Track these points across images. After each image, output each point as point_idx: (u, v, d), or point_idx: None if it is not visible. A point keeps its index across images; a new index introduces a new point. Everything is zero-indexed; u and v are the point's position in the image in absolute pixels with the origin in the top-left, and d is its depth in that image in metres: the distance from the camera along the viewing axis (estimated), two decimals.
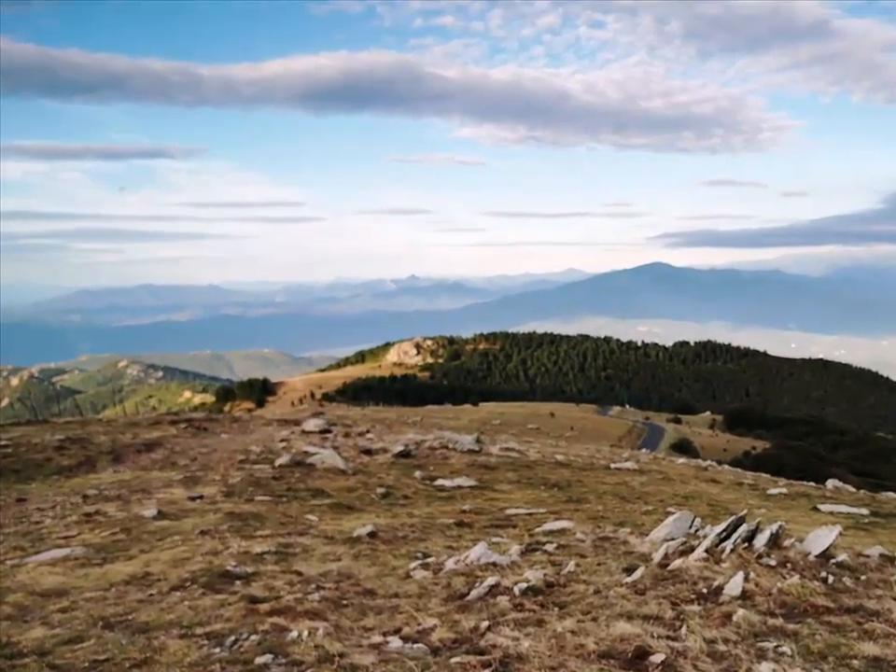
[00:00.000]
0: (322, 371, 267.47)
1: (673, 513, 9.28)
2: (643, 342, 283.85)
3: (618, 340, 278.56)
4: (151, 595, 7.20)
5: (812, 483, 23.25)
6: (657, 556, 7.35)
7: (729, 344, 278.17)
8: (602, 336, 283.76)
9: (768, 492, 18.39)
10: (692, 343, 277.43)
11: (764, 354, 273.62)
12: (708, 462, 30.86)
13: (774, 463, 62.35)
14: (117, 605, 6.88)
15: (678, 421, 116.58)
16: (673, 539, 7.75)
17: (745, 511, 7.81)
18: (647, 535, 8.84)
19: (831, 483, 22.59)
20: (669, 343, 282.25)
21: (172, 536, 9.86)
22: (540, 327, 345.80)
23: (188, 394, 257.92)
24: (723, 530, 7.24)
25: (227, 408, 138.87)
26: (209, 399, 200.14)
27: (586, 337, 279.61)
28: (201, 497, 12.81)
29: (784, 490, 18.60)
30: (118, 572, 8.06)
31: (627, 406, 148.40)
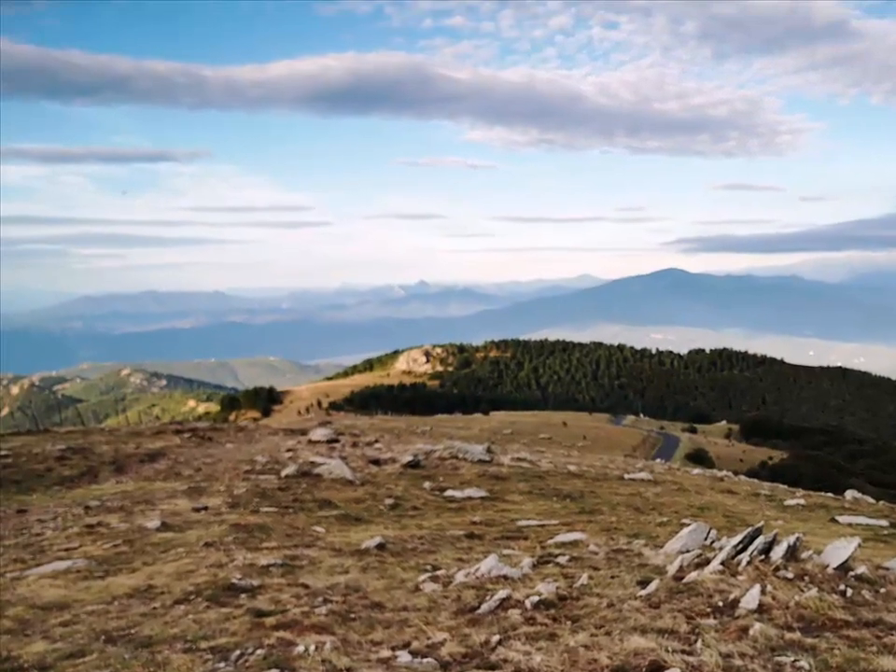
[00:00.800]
0: (329, 379, 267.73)
1: (688, 525, 9.25)
2: (657, 349, 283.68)
3: (632, 347, 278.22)
4: (154, 608, 7.21)
5: (830, 494, 23.18)
6: (672, 569, 7.33)
7: (745, 352, 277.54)
8: (616, 344, 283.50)
9: (785, 503, 18.33)
10: (707, 351, 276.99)
11: (781, 362, 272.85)
12: (724, 472, 30.82)
13: (791, 473, 62.21)
14: (119, 618, 6.89)
15: (693, 430, 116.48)
16: (688, 552, 7.73)
17: (761, 523, 7.79)
18: (661, 547, 8.81)
19: (849, 493, 22.50)
20: (684, 351, 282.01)
21: (176, 548, 9.87)
22: (553, 334, 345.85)
23: (192, 403, 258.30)
24: (740, 542, 7.21)
25: (232, 417, 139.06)
26: (214, 407, 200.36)
27: (599, 345, 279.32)
28: (205, 509, 12.84)
29: (802, 501, 18.54)
30: (120, 585, 8.08)
31: (641, 415, 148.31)
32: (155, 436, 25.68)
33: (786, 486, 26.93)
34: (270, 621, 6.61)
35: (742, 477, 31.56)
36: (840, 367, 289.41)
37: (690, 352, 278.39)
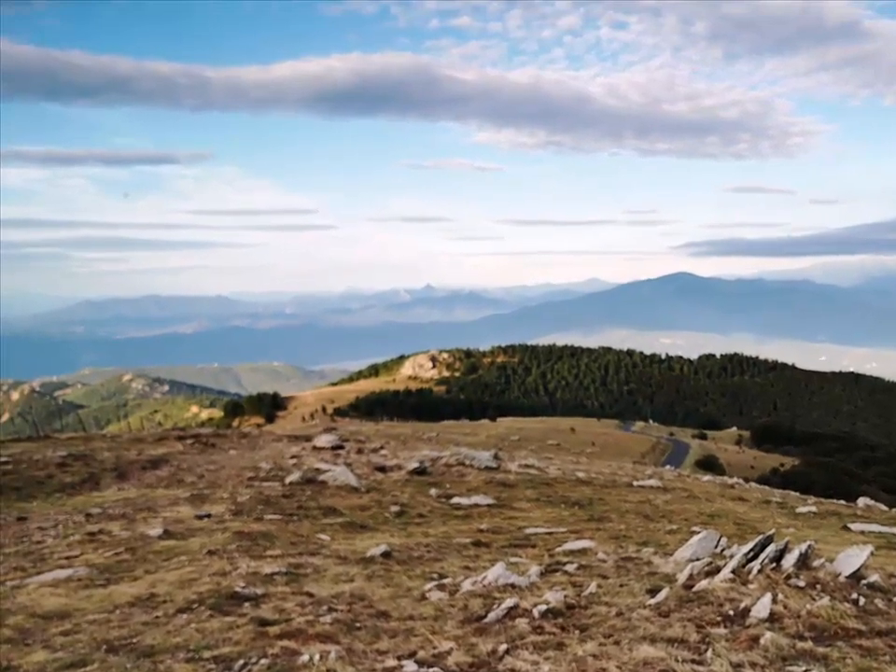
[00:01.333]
0: (334, 384, 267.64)
1: (698, 533, 9.24)
2: (667, 354, 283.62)
3: (641, 353, 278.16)
4: (157, 617, 7.20)
5: (842, 502, 23.16)
6: (682, 577, 7.32)
7: (756, 357, 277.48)
8: (625, 349, 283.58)
9: (797, 510, 18.31)
10: (717, 356, 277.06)
11: (793, 367, 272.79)
12: (735, 479, 30.81)
13: (803, 480, 62.06)
14: (121, 627, 6.89)
15: (703, 437, 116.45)
16: (698, 560, 7.72)
17: (773, 531, 7.77)
18: (671, 555, 8.80)
19: (862, 501, 22.49)
20: (694, 356, 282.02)
21: (178, 556, 9.87)
22: (561, 339, 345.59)
23: (195, 408, 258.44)
24: (750, 550, 7.20)
25: (235, 423, 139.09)
26: (217, 413, 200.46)
27: (608, 349, 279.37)
28: (208, 516, 12.83)
29: (813, 508, 18.51)
30: (122, 593, 8.07)
31: (650, 421, 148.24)
32: (157, 442, 25.68)
33: (798, 493, 26.90)
34: (274, 630, 6.61)
35: (753, 484, 31.54)
36: (852, 372, 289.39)
37: (700, 357, 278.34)
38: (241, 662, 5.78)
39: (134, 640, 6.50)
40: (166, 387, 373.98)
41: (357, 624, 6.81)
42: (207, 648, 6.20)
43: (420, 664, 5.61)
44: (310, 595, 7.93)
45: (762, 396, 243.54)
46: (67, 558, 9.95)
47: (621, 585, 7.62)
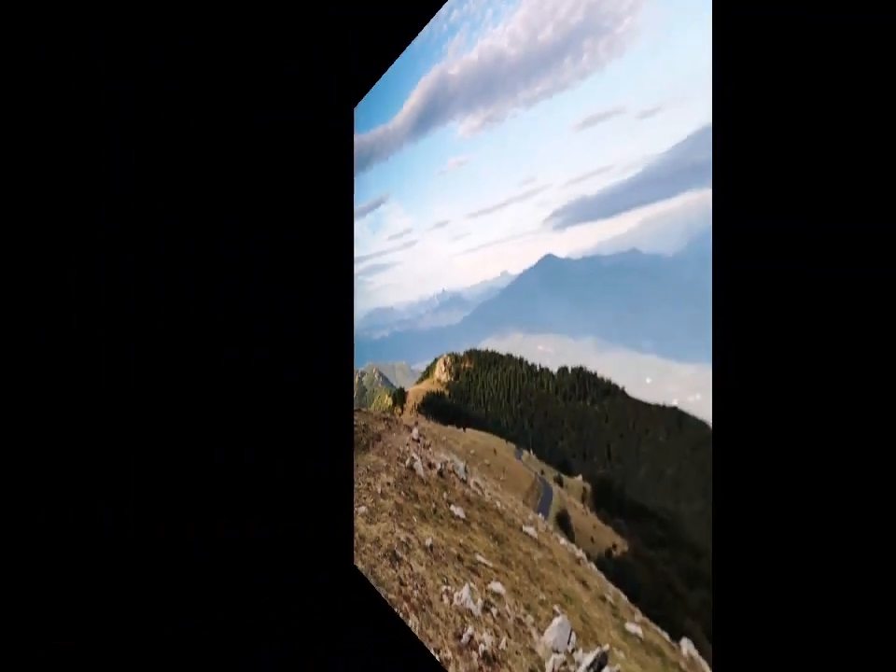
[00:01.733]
0: (417, 383, 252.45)
1: (557, 615, 3.89)
2: (539, 366, 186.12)
3: (526, 362, 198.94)
4: (378, 556, 6.40)
5: (666, 635, 4.47)
6: (548, 668, 3.43)
7: (594, 374, 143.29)
8: (518, 356, 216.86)
9: (626, 626, 5.13)
10: (569, 371, 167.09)
11: (623, 393, 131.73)
12: (581, 553, 18.45)
13: (629, 580, 15.49)
14: (372, 554, 6.29)
15: (560, 483, 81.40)
16: (557, 653, 3.36)
17: (607, 647, 3.52)
18: (542, 633, 3.93)
19: (686, 645, 4.01)
20: (555, 368, 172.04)
21: (381, 512, 7.27)
22: (491, 343, 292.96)
23: (386, 396, 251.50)
24: (590, 666, 2.96)
25: (394, 411, 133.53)
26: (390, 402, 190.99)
27: (510, 358, 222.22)
28: (389, 484, 13.57)
29: (640, 631, 3.91)
30: (371, 531, 6.95)
31: (531, 452, 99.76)
32: (377, 421, 26.57)
33: (627, 599, 10.95)
34: (405, 591, 5.58)
35: (593, 566, 15.99)
36: (675, 408, 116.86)
37: (559, 371, 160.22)
38: (395, 609, 5.56)
39: (375, 569, 6.23)
40: (381, 379, 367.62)
41: (423, 608, 5.55)
42: (389, 591, 5.80)
43: (441, 663, 4.60)
44: (411, 567, 6.24)
45: (599, 433, 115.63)
46: (362, 498, 8.25)
47: (516, 652, 4.27)
